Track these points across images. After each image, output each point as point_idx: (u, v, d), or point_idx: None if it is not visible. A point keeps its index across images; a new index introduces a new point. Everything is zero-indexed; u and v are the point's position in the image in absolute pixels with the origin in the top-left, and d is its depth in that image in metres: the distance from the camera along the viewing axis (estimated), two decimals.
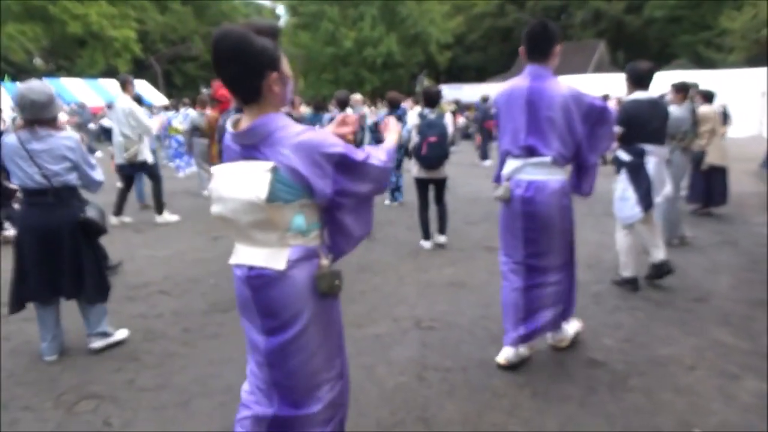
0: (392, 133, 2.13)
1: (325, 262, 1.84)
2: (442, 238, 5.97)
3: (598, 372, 3.11)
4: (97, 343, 3.51)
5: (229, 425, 2.65)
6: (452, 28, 36.09)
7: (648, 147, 4.24)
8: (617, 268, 4.57)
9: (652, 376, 3.06)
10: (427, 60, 35.28)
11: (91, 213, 3.38)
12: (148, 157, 7.14)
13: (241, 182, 1.73)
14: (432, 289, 4.56)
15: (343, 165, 1.78)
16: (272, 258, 1.78)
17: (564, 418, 2.66)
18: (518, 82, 3.06)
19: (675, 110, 5.52)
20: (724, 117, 11.04)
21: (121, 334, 3.65)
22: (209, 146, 8.16)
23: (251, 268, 1.81)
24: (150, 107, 17.54)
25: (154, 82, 27.67)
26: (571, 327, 3.44)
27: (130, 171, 7.16)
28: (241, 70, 1.70)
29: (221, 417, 2.73)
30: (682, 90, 5.70)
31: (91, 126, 16.40)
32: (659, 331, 3.65)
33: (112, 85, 20.25)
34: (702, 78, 20.38)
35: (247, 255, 1.83)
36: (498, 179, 3.26)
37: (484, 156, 13.70)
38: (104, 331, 3.55)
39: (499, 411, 2.74)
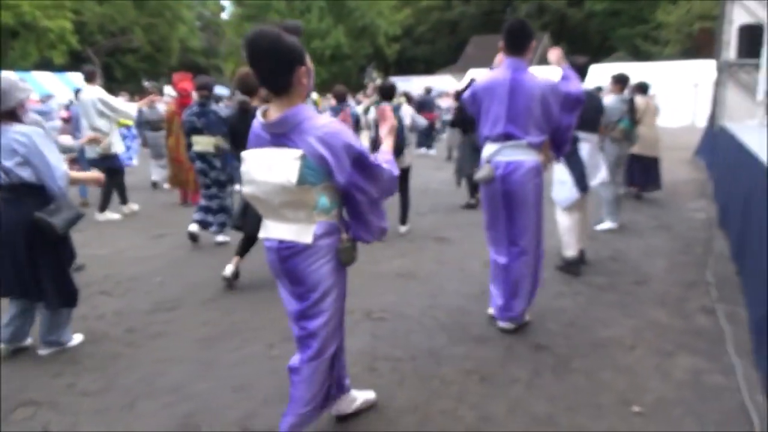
0: (388, 138, 2.37)
1: (345, 236, 2.15)
2: (403, 228, 6.02)
3: (543, 355, 3.21)
4: (45, 351, 3.36)
5: (176, 425, 2.61)
6: (400, 21, 36.20)
7: (581, 134, 4.50)
8: (560, 254, 4.72)
9: (594, 357, 3.18)
10: (375, 52, 35.27)
11: (48, 214, 3.12)
12: (119, 148, 6.94)
13: (274, 167, 1.99)
14: (382, 280, 4.59)
15: (359, 163, 2.05)
16: (301, 232, 2.07)
17: (511, 402, 2.73)
18: (498, 74, 3.34)
19: (610, 101, 5.82)
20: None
21: (77, 338, 3.52)
22: (166, 138, 8.00)
23: (281, 241, 2.11)
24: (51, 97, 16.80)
25: None
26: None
27: (101, 164, 6.73)
28: (275, 64, 1.94)
29: (168, 417, 2.67)
30: (621, 82, 5.98)
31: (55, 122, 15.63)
32: (601, 314, 3.79)
33: (46, 78, 19.27)
34: (639, 70, 21.16)
35: (278, 230, 2.12)
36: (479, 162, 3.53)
37: (422, 144, 13.97)
38: (57, 340, 3.39)
39: (448, 398, 2.78)
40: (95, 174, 3.55)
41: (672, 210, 6.98)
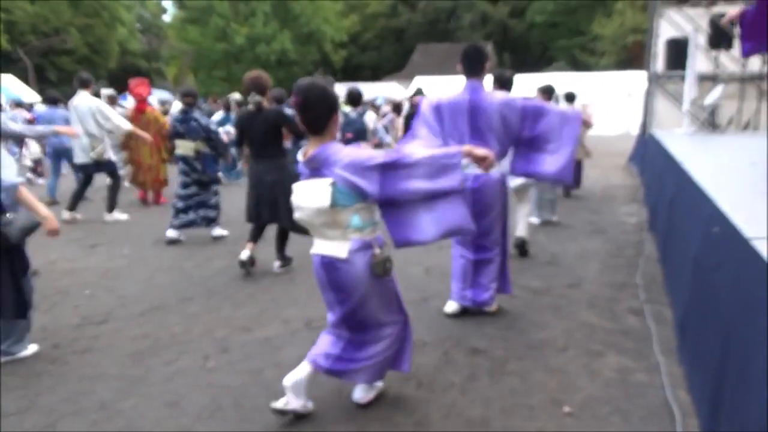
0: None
1: (377, 251, 2.49)
2: None
3: (479, 359, 3.26)
4: None
5: None
6: (346, 27, 36.25)
7: None
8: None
9: (528, 359, 3.25)
10: (322, 58, 35.19)
11: (2, 223, 3.00)
12: (111, 155, 7.09)
13: (312, 195, 2.42)
14: None
15: (387, 167, 2.37)
16: (337, 248, 2.47)
17: (446, 406, 2.76)
18: (459, 96, 3.67)
19: None
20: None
21: (32, 349, 3.41)
22: (125, 141, 8.24)
23: (323, 256, 2.51)
24: (22, 104, 16.06)
25: (24, 77, 25.29)
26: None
27: (95, 170, 7.02)
28: (321, 111, 2.43)
29: None
30: (547, 92, 6.43)
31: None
32: (536, 317, 3.89)
33: None
34: (578, 80, 21.94)
35: (320, 246, 2.54)
36: None
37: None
38: (6, 350, 3.29)
39: (385, 404, 2.78)
40: (43, 211, 3.26)
41: (606, 214, 7.26)
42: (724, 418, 2.18)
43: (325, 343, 2.68)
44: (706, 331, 2.73)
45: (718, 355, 2.39)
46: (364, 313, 2.58)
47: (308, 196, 2.44)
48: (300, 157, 2.52)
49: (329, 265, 2.50)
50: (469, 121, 3.62)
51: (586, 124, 7.70)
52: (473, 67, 3.64)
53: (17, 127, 5.67)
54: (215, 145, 6.13)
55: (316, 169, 2.44)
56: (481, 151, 2.62)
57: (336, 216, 2.41)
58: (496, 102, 3.60)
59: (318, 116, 2.42)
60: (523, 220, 5.54)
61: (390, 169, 2.37)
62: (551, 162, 3.70)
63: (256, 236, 5.00)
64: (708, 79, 10.18)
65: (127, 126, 7.14)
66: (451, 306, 3.95)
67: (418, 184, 2.43)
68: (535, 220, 6.59)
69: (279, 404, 2.59)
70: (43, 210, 3.23)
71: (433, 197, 2.49)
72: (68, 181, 9.17)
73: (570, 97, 7.90)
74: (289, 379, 2.59)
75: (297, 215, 2.53)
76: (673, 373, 3.03)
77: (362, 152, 2.44)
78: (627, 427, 2.57)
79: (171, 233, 6.08)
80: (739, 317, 2.19)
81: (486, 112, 3.59)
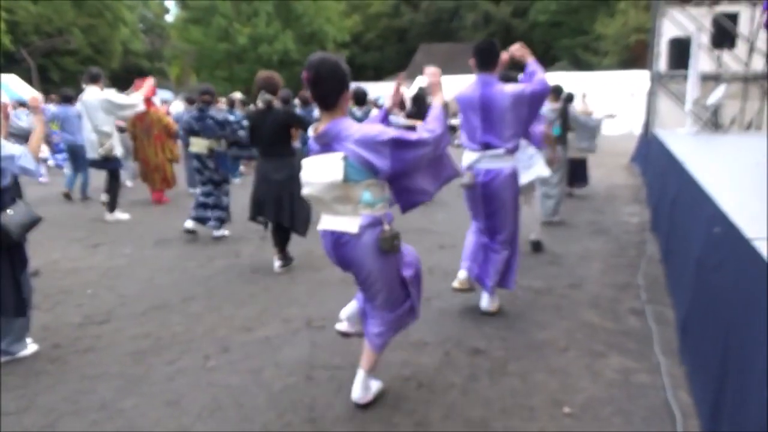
0: (437, 96, 2.68)
1: (386, 227, 2.51)
2: None
3: (479, 360, 3.25)
4: None
5: None
6: (349, 27, 36.23)
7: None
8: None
9: (529, 359, 3.24)
10: None
11: (3, 218, 3.02)
12: (119, 151, 7.07)
13: (323, 169, 2.43)
14: (324, 287, 4.55)
15: (398, 144, 2.40)
16: (348, 224, 2.49)
17: (446, 407, 2.75)
18: (471, 90, 3.69)
19: (544, 108, 6.14)
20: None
21: (31, 348, 3.41)
22: (132, 140, 8.38)
23: (333, 231, 2.53)
24: (24, 104, 16.12)
25: (27, 77, 25.34)
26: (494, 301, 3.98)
27: (102, 166, 7.05)
28: (332, 86, 2.41)
29: None
30: (556, 92, 6.33)
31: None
32: (537, 317, 3.88)
33: None
34: (581, 79, 21.88)
35: (331, 222, 2.54)
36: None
37: None
38: (6, 349, 3.28)
39: (385, 405, 2.78)
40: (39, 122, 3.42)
41: (609, 214, 7.24)
42: (725, 419, 2.17)
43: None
44: (707, 331, 2.71)
45: (719, 355, 2.38)
46: (373, 291, 2.65)
47: (320, 170, 2.45)
48: (311, 132, 2.56)
49: (338, 240, 2.53)
50: (481, 115, 3.63)
51: (586, 113, 7.87)
52: (485, 62, 3.65)
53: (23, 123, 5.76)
54: (236, 138, 5.91)
55: (327, 144, 2.46)
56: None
57: (348, 191, 2.44)
58: (507, 94, 3.60)
59: (329, 91, 2.42)
60: (535, 223, 5.56)
61: (401, 144, 2.42)
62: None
63: (278, 241, 5.03)
64: (711, 79, 10.15)
65: (139, 99, 7.20)
66: (459, 277, 3.96)
67: (425, 151, 2.49)
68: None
69: (341, 327, 2.91)
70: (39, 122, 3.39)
71: (434, 158, 2.59)
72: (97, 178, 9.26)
73: (569, 99, 7.87)
74: (344, 312, 2.90)
75: (306, 191, 2.53)
76: (674, 373, 3.02)
77: (373, 127, 2.49)
78: (628, 428, 2.56)
79: (189, 224, 6.15)
80: (740, 318, 2.18)
81: (498, 106, 3.59)
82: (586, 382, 2.97)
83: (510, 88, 3.66)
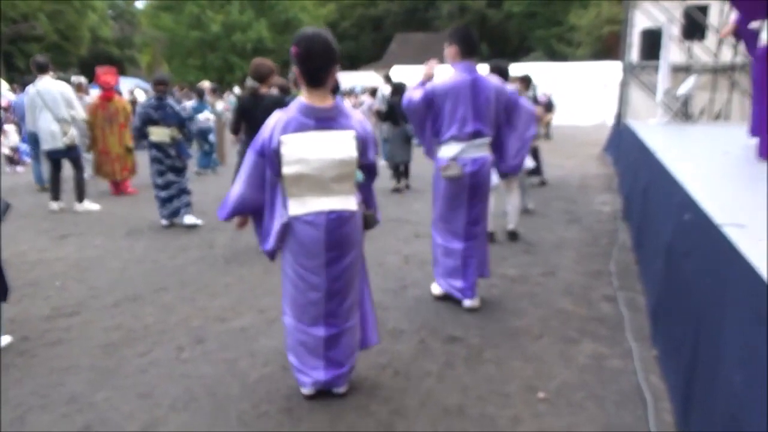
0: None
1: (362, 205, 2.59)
2: None
3: (456, 347, 3.27)
4: None
5: None
6: (324, 16, 35.87)
7: None
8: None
9: (504, 347, 3.27)
10: None
11: None
12: (78, 141, 6.99)
13: (332, 146, 2.38)
14: None
15: (370, 143, 2.56)
16: (348, 202, 2.49)
17: (423, 394, 2.76)
18: (458, 77, 3.56)
19: None
20: (549, 105, 12.56)
21: (5, 340, 3.32)
22: (91, 131, 7.99)
23: (330, 212, 2.43)
24: None
25: None
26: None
27: (65, 155, 6.91)
28: (325, 61, 2.36)
29: (63, 430, 2.49)
30: (525, 81, 6.53)
31: None
32: (512, 304, 3.91)
33: None
34: (554, 70, 22.04)
35: (324, 203, 2.44)
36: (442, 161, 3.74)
37: None
38: None
39: (361, 393, 2.77)
40: None
41: (582, 204, 7.33)
42: (696, 402, 2.22)
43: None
44: (678, 316, 2.77)
45: (689, 340, 2.43)
46: (348, 277, 2.57)
47: (327, 147, 2.39)
48: (305, 103, 2.41)
49: (336, 220, 2.45)
50: (472, 102, 3.58)
51: (548, 108, 7.97)
52: (470, 48, 3.60)
53: None
54: (187, 131, 6.26)
55: (328, 119, 2.41)
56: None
57: (351, 168, 2.46)
58: (492, 84, 3.64)
59: (320, 66, 2.36)
60: (514, 212, 5.59)
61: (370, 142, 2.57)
62: (509, 155, 3.92)
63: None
64: (681, 70, 10.34)
65: (83, 115, 7.22)
66: (435, 290, 3.99)
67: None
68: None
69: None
70: None
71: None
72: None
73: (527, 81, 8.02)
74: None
75: (296, 169, 2.37)
76: (645, 358, 3.08)
77: (367, 122, 2.60)
78: (601, 412, 2.60)
79: (164, 222, 6.22)
80: (710, 302, 2.22)
81: (487, 92, 3.59)
82: (560, 368, 3.01)
83: (494, 79, 3.71)
